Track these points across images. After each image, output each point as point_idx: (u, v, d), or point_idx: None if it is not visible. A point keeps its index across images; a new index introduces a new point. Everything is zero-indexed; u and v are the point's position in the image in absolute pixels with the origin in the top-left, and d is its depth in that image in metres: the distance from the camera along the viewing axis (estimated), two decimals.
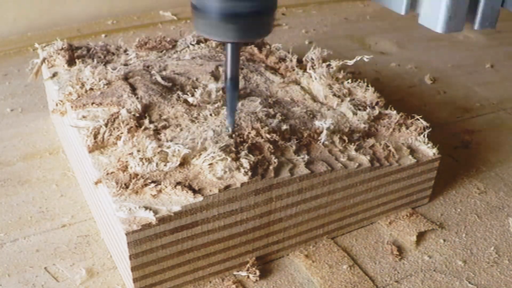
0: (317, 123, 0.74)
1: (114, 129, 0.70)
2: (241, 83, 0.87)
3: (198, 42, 1.01)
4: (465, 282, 0.69)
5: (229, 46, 0.62)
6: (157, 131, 0.71)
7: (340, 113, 0.82)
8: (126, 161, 0.65)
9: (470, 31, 1.48)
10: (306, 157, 0.69)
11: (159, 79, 0.85)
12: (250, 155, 0.66)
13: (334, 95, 0.85)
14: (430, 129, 0.80)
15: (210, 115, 0.76)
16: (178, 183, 0.62)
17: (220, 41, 0.60)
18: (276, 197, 0.67)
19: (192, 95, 0.82)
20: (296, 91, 0.88)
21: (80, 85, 0.80)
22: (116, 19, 1.45)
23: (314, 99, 0.86)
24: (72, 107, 0.76)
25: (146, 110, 0.76)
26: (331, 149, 0.72)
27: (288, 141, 0.71)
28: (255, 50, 1.01)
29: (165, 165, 0.64)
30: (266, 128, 0.71)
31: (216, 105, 0.80)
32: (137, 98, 0.78)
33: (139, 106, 0.75)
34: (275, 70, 0.94)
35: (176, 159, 0.65)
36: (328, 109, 0.83)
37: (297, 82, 0.91)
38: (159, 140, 0.70)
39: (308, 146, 0.72)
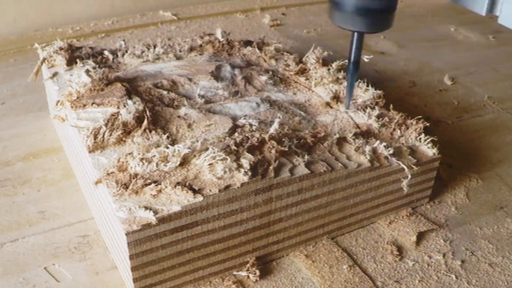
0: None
1: (114, 129, 0.70)
2: (242, 84, 0.87)
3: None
4: (465, 283, 0.69)
5: (356, 34, 0.74)
6: (157, 132, 0.71)
7: (342, 114, 0.82)
8: (126, 161, 0.65)
9: (470, 31, 1.48)
10: (306, 157, 0.69)
11: (159, 80, 0.85)
12: (250, 155, 0.66)
13: (335, 96, 0.85)
14: (430, 129, 0.80)
15: (204, 115, 0.76)
16: (178, 183, 0.62)
17: (351, 30, 0.73)
18: (276, 197, 0.67)
19: (191, 98, 0.82)
20: (297, 92, 0.88)
21: (80, 85, 0.80)
22: (116, 19, 1.45)
23: (315, 100, 0.86)
24: (72, 107, 0.76)
25: (146, 110, 0.76)
26: (331, 149, 0.72)
27: (288, 142, 0.71)
28: (257, 51, 1.01)
29: (165, 165, 0.64)
30: (268, 133, 0.71)
31: (209, 106, 0.80)
32: (137, 98, 0.78)
33: (139, 107, 0.75)
34: (273, 72, 0.94)
35: (176, 159, 0.65)
36: (328, 111, 0.83)
37: (297, 84, 0.91)
38: (159, 140, 0.70)
39: (309, 147, 0.72)
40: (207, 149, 0.66)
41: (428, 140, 0.78)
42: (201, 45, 1.00)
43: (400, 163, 0.73)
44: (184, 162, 0.65)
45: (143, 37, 1.35)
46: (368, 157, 0.72)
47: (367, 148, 0.72)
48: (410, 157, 0.76)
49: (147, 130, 0.71)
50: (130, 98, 0.77)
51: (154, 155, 0.65)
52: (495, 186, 0.88)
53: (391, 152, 0.73)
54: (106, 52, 0.94)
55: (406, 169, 0.73)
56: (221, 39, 1.01)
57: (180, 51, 0.97)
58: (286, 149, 0.69)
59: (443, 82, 1.21)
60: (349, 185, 0.72)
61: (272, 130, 0.71)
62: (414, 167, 0.74)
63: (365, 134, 0.77)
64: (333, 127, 0.78)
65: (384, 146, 0.73)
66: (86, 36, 1.34)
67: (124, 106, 0.75)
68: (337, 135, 0.74)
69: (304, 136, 0.72)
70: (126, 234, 0.58)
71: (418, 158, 0.76)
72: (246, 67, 0.93)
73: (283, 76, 0.93)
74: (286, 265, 0.71)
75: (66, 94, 0.79)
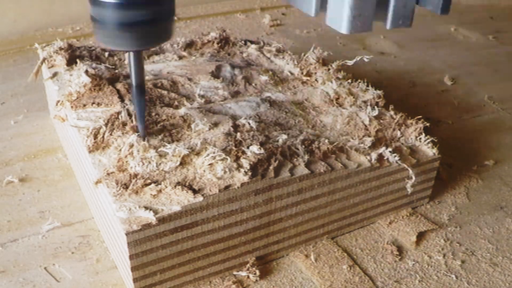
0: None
1: (114, 129, 0.70)
2: (242, 84, 0.87)
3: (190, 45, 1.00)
4: (465, 283, 0.69)
5: (131, 54, 0.63)
6: (156, 132, 0.71)
7: (346, 112, 0.82)
8: (126, 161, 0.65)
9: (470, 31, 1.48)
10: (306, 157, 0.69)
11: (159, 80, 0.85)
12: (250, 155, 0.66)
13: (337, 95, 0.85)
14: (430, 129, 0.80)
15: (204, 115, 0.76)
16: (178, 183, 0.62)
17: (121, 50, 0.62)
18: (276, 197, 0.67)
19: (190, 98, 0.82)
20: (297, 92, 0.88)
21: (79, 85, 0.80)
22: None
23: (316, 100, 0.86)
24: (72, 107, 0.76)
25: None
26: (332, 149, 0.72)
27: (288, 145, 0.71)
28: (257, 52, 1.01)
29: (165, 165, 0.64)
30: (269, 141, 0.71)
31: (209, 106, 0.80)
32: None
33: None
34: (273, 72, 0.94)
35: (176, 159, 0.65)
36: (330, 110, 0.83)
37: (298, 84, 0.91)
38: (159, 140, 0.70)
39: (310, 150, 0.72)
40: (207, 149, 0.66)
41: (428, 140, 0.78)
42: (199, 43, 1.00)
43: (405, 165, 0.73)
44: (184, 162, 0.65)
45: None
46: (368, 157, 0.72)
47: (373, 155, 0.72)
48: (410, 157, 0.76)
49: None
50: (122, 101, 0.76)
51: (154, 155, 0.65)
52: (495, 186, 0.88)
53: (396, 158, 0.73)
54: (105, 52, 0.94)
55: (411, 171, 0.73)
56: (216, 36, 1.01)
57: (179, 49, 0.97)
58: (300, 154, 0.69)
59: (443, 82, 1.21)
60: (349, 185, 0.72)
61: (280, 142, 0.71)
62: (414, 167, 0.74)
63: (365, 134, 0.77)
64: (336, 128, 0.78)
65: (390, 152, 0.73)
66: (86, 36, 1.34)
67: (125, 106, 0.75)
68: (344, 138, 0.74)
69: (314, 149, 0.71)
70: (126, 234, 0.58)
71: (418, 158, 0.76)
72: (246, 67, 0.93)
73: (284, 76, 0.93)
74: (286, 265, 0.71)
75: (66, 94, 0.79)
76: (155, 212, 0.59)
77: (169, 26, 0.61)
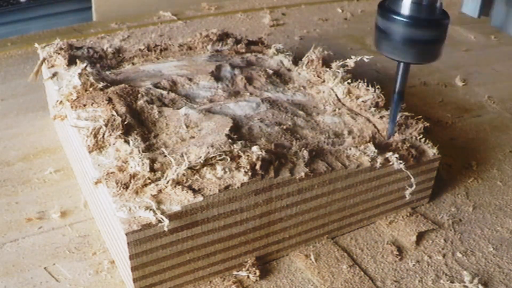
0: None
1: (114, 129, 0.70)
2: (242, 84, 0.87)
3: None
4: (465, 282, 0.69)
5: (402, 64, 0.71)
6: (156, 132, 0.71)
7: (342, 114, 0.82)
8: (126, 161, 0.65)
9: (470, 31, 1.48)
10: (306, 157, 0.69)
11: (159, 80, 0.85)
12: (250, 155, 0.66)
13: (337, 96, 0.85)
14: (430, 129, 0.80)
15: (204, 115, 0.76)
16: (178, 183, 0.62)
17: (397, 60, 0.70)
18: (276, 197, 0.67)
19: (190, 98, 0.82)
20: (296, 92, 0.88)
21: (80, 85, 0.79)
22: (116, 19, 1.45)
23: (317, 100, 0.86)
24: (72, 107, 0.76)
25: (145, 111, 0.76)
26: (332, 149, 0.72)
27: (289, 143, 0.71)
28: (256, 54, 1.01)
29: (165, 165, 0.64)
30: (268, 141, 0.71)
31: (209, 106, 0.80)
32: (137, 99, 0.78)
33: (142, 105, 0.75)
34: (273, 72, 0.94)
35: (176, 159, 0.65)
36: (326, 112, 0.83)
37: (298, 84, 0.91)
38: (159, 140, 0.70)
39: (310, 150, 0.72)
40: (207, 149, 0.66)
41: (428, 140, 0.78)
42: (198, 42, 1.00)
43: (408, 173, 0.73)
44: (184, 162, 0.65)
45: (143, 37, 1.35)
46: (368, 157, 0.72)
47: (379, 159, 0.72)
48: (410, 157, 0.76)
49: (146, 131, 0.71)
50: (113, 105, 0.76)
51: (154, 155, 0.65)
52: (495, 186, 0.88)
53: (402, 165, 0.72)
54: (105, 52, 0.94)
55: (413, 179, 0.73)
56: (215, 32, 1.01)
57: (179, 49, 0.97)
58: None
59: (443, 82, 1.21)
60: (349, 185, 0.72)
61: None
62: (414, 167, 0.74)
63: (372, 136, 0.77)
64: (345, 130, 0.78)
65: (396, 158, 0.72)
66: (86, 36, 1.34)
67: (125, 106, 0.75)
68: (344, 138, 0.74)
69: (314, 149, 0.71)
70: (126, 234, 0.58)
71: (418, 158, 0.76)
72: (246, 67, 0.93)
73: (284, 76, 0.93)
74: (286, 265, 0.71)
75: (66, 94, 0.79)
76: (155, 212, 0.59)
77: (440, 48, 0.70)
